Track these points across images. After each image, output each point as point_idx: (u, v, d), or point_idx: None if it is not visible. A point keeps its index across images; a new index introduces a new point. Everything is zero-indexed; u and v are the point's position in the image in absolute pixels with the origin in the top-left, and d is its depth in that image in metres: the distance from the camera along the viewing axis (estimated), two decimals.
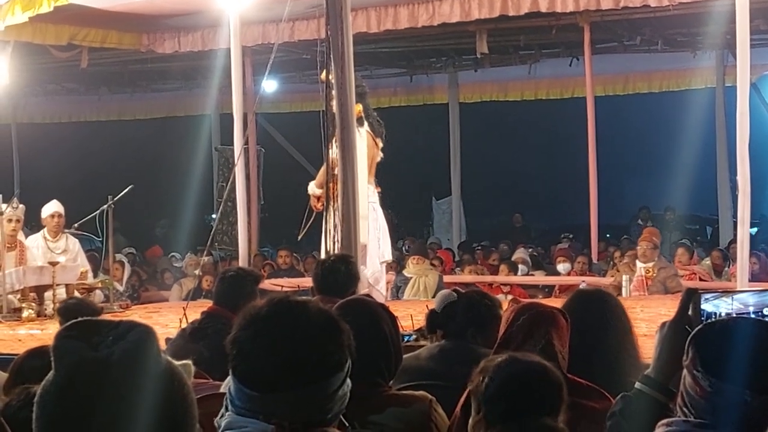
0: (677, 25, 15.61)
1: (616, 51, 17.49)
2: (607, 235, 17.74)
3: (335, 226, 7.30)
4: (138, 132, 22.71)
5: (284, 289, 11.12)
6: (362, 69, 18.48)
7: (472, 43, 15.50)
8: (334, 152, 8.67)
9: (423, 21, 13.74)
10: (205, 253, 13.72)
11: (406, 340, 7.24)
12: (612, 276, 12.87)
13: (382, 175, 9.93)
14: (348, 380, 2.48)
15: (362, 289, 7.85)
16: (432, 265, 13.79)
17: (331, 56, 7.31)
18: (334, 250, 7.49)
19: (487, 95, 20.28)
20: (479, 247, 17.48)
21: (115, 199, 11.97)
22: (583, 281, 11.99)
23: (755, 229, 22.80)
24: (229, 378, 2.45)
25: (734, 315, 2.85)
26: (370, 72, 19.28)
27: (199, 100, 19.76)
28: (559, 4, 12.91)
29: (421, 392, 3.93)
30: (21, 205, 11.80)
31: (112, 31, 14.89)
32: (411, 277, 12.89)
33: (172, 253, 17.45)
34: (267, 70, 10.15)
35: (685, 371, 2.53)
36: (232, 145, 12.00)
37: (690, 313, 2.87)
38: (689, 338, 2.55)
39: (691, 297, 2.90)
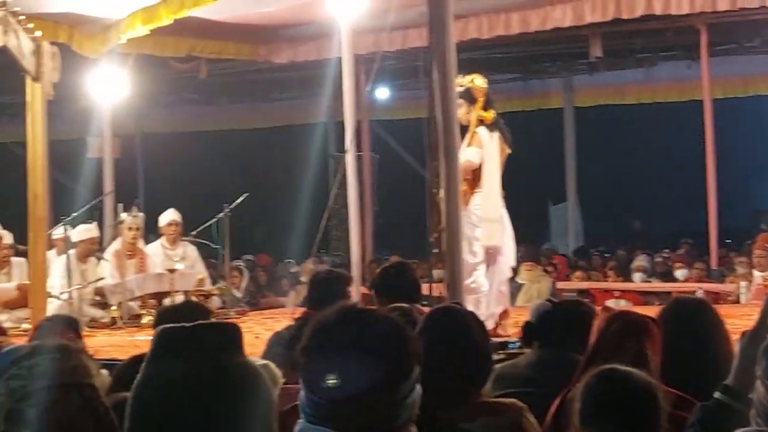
0: None
1: (734, 53, 17.18)
2: (728, 241, 17.41)
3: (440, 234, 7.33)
4: (257, 141, 23.02)
5: None
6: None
7: (586, 47, 15.41)
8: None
9: (535, 26, 13.71)
10: (312, 259, 13.84)
11: (510, 347, 7.26)
12: (731, 282, 12.66)
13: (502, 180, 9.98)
14: (418, 387, 2.51)
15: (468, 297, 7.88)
16: (545, 271, 13.73)
17: (435, 63, 7.33)
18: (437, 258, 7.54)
19: (602, 99, 20.09)
20: (596, 253, 17.33)
21: (231, 207, 12.17)
22: (700, 288, 11.81)
23: None
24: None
25: None
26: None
27: (315, 109, 19.91)
28: (673, 7, 12.77)
29: (512, 400, 3.93)
30: (141, 214, 12.09)
31: (229, 43, 15.17)
32: (524, 284, 12.86)
33: (288, 260, 17.64)
34: (372, 78, 10.24)
35: (758, 382, 2.50)
36: None
37: None
38: (762, 348, 2.52)
39: None
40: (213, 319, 2.20)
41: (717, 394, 2.88)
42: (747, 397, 2.71)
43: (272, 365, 2.51)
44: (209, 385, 2.13)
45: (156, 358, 2.20)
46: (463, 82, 9.28)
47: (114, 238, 12.27)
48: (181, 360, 2.16)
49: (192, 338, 2.19)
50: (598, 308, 4.94)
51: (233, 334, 2.27)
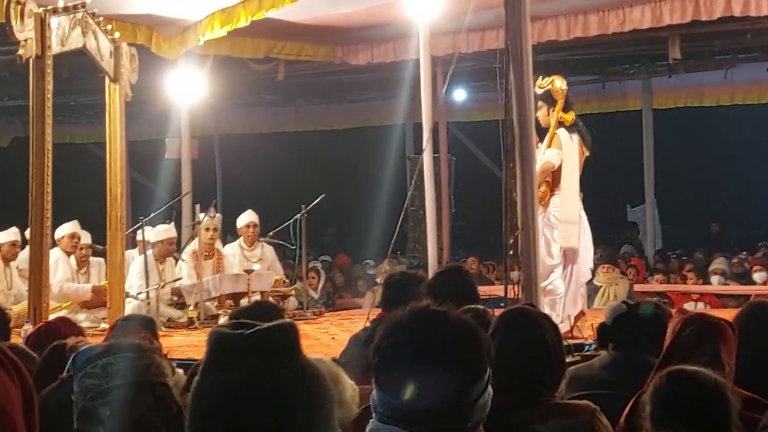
0: None
1: None
2: None
3: (516, 238, 7.33)
4: (334, 142, 23.12)
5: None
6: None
7: (665, 49, 15.27)
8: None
9: (613, 27, 13.63)
10: (388, 260, 13.88)
11: (586, 349, 7.24)
12: None
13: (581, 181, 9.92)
14: (489, 389, 2.52)
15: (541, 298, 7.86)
16: (623, 273, 13.65)
17: (511, 65, 7.34)
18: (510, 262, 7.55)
19: (681, 101, 19.90)
20: (674, 255, 17.19)
21: (308, 208, 12.26)
22: None
23: None
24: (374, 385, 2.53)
25: None
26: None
27: (393, 110, 20.00)
28: (753, 8, 12.63)
29: (585, 402, 3.92)
30: (218, 215, 12.22)
31: (306, 44, 15.25)
32: (601, 286, 12.80)
33: (366, 260, 17.71)
34: (448, 80, 10.24)
35: None
36: None
37: None
38: None
39: None
40: (271, 323, 2.17)
41: None
42: None
43: (340, 370, 2.54)
44: (263, 395, 2.13)
45: (210, 367, 2.19)
46: (542, 84, 9.28)
47: (191, 238, 12.41)
48: (234, 370, 2.15)
49: (246, 345, 2.17)
50: (674, 311, 4.92)
51: (289, 336, 2.21)
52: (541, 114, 9.22)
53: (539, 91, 9.15)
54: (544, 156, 9.09)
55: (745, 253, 16.02)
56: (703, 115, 21.27)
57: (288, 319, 2.28)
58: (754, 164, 23.37)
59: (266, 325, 2.18)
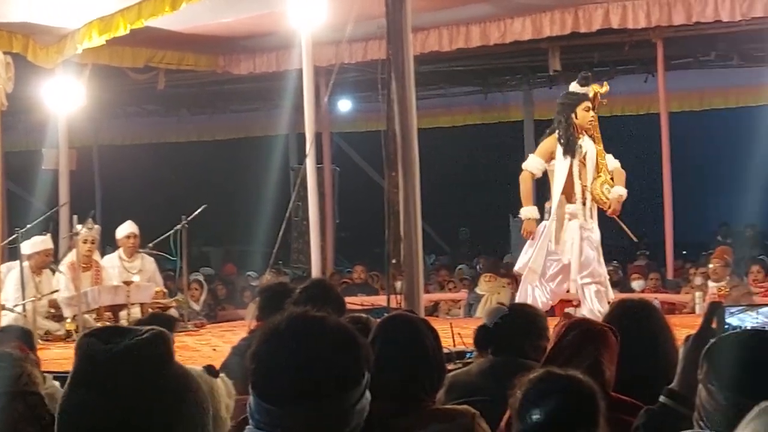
0: (752, 40, 15.43)
1: (691, 67, 17.34)
2: (684, 252, 17.53)
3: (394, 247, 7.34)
4: (215, 153, 22.95)
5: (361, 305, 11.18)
6: (436, 87, 18.60)
7: (546, 60, 15.48)
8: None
9: (495, 39, 13.79)
10: (271, 271, 13.81)
11: (467, 357, 7.26)
12: (687, 293, 12.76)
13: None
14: (367, 394, 2.50)
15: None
16: (506, 282, 13.77)
17: (393, 75, 7.35)
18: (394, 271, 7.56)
19: None
20: None
21: (189, 219, 12.13)
22: (656, 298, 11.86)
23: None
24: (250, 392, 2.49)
25: (758, 328, 2.84)
26: (445, 90, 19.35)
27: (276, 121, 19.91)
28: (630, 21, 12.91)
29: (465, 406, 3.94)
30: (96, 226, 12.02)
31: (188, 53, 15.12)
32: (483, 295, 12.90)
33: (249, 272, 17.60)
34: (329, 90, 10.25)
35: (700, 385, 2.52)
36: None
37: (714, 326, 2.87)
38: (703, 352, 2.55)
39: (715, 310, 2.91)
40: (142, 334, 2.07)
41: (662, 398, 2.91)
42: (691, 401, 2.72)
43: (224, 377, 2.48)
44: (133, 414, 2.05)
45: (78, 383, 2.09)
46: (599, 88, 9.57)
47: (69, 250, 12.17)
48: (103, 389, 2.07)
49: (116, 362, 2.08)
50: (557, 318, 4.95)
51: (160, 348, 2.13)
52: (588, 116, 9.58)
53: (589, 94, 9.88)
54: (613, 161, 10.10)
55: (625, 261, 16.27)
56: None
57: (159, 328, 2.19)
58: (634, 174, 23.78)
59: (136, 337, 2.10)
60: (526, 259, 10.12)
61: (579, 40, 14.37)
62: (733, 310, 2.93)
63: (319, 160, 14.53)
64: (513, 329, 4.83)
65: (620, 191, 9.89)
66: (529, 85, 19.48)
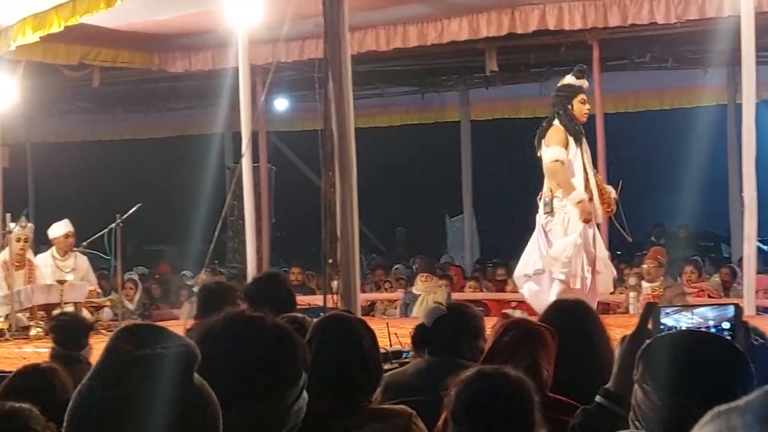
0: (687, 43, 15.60)
1: (626, 68, 17.49)
2: (618, 252, 17.68)
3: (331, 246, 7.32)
4: (151, 151, 22.77)
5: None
6: (373, 87, 18.60)
7: (482, 61, 15.53)
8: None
9: (432, 39, 13.81)
10: (206, 271, 13.73)
11: (404, 356, 7.26)
12: (622, 293, 12.86)
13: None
14: (304, 394, 2.48)
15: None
16: (442, 282, 13.80)
17: (330, 75, 7.34)
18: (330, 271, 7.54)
19: (498, 113, 20.31)
20: (491, 264, 17.46)
21: (124, 217, 12.00)
22: None
23: None
24: None
25: (693, 329, 2.86)
26: (382, 90, 19.35)
27: (212, 119, 19.78)
28: (567, 22, 12.99)
29: (402, 406, 3.93)
30: (30, 224, 11.87)
31: (123, 51, 14.99)
32: (419, 295, 12.91)
33: (183, 272, 17.49)
34: (266, 89, 10.21)
35: (636, 385, 2.53)
36: None
37: (649, 327, 2.89)
38: (639, 353, 2.56)
39: (651, 311, 2.92)
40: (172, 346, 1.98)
41: (598, 398, 2.92)
42: (626, 401, 2.72)
43: None
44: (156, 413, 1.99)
45: (97, 380, 2.02)
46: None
47: (2, 248, 12.01)
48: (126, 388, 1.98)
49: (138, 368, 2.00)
50: (494, 318, 4.94)
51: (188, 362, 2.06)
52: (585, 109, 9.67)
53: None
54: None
55: None
56: (519, 127, 21.69)
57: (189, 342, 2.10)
58: None
59: (169, 347, 2.01)
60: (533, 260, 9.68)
61: (516, 41, 14.42)
62: (668, 310, 2.92)
63: (255, 159, 14.46)
64: (450, 329, 4.83)
65: (612, 190, 9.82)
66: (465, 85, 19.53)
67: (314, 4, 7.95)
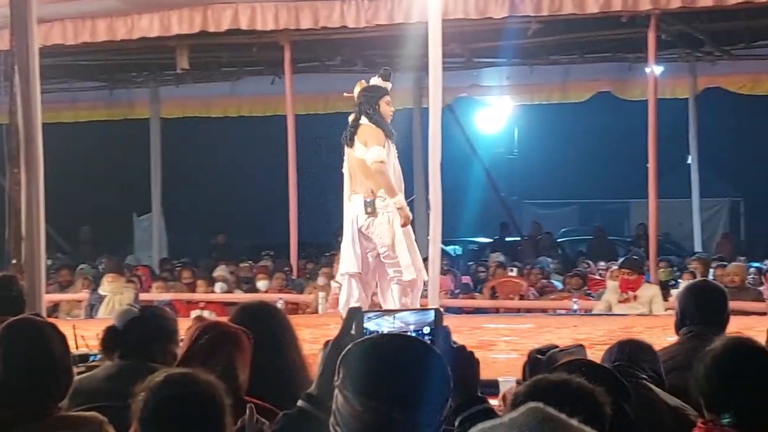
0: (376, 46, 15.95)
1: (317, 70, 17.74)
2: (309, 253, 17.91)
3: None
4: None
5: None
6: (60, 81, 18.03)
7: (174, 58, 15.35)
8: None
9: (122, 34, 13.51)
10: None
11: (91, 359, 7.06)
12: (310, 293, 13.00)
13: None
14: None
15: None
16: (129, 282, 13.56)
17: (17, 68, 7.05)
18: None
19: (189, 111, 20.16)
20: (180, 265, 17.29)
21: None
22: (281, 298, 12.05)
23: (454, 248, 23.68)
24: None
25: (391, 333, 2.90)
26: (69, 85, 18.80)
27: None
28: (259, 22, 13.00)
29: (92, 413, 3.83)
30: None
31: None
32: (106, 296, 12.63)
33: None
34: None
35: (336, 391, 2.54)
36: None
37: (353, 331, 2.92)
38: (339, 359, 2.57)
39: (354, 315, 2.95)
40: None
41: (300, 403, 2.92)
42: (329, 405, 2.72)
43: None
44: None
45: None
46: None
47: None
48: None
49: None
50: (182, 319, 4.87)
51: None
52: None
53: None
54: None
55: (250, 261, 16.40)
56: (210, 126, 21.65)
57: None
58: (260, 175, 24.10)
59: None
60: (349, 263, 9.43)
61: (208, 39, 14.33)
62: (371, 314, 2.96)
63: None
64: (142, 332, 4.73)
65: None
66: (156, 82, 19.29)
67: None
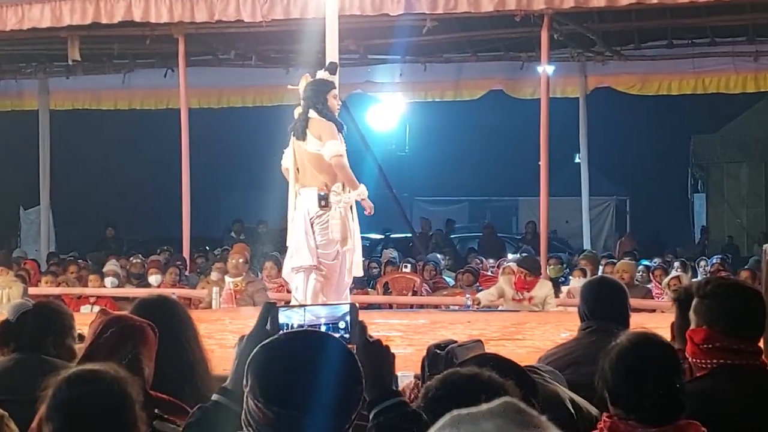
0: (271, 42, 15.91)
1: (211, 64, 17.64)
2: (202, 248, 17.80)
3: None
4: None
5: None
6: None
7: (65, 50, 15.11)
8: None
9: (12, 24, 13.25)
10: None
11: None
12: (203, 288, 12.92)
13: None
14: None
15: None
16: (18, 276, 13.32)
17: None
18: None
19: (79, 103, 19.87)
20: (69, 258, 17.05)
21: None
22: (173, 293, 11.94)
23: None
24: None
25: (306, 327, 2.92)
26: None
27: None
28: (153, 14, 12.85)
29: None
30: None
31: None
32: None
33: None
34: None
35: (246, 396, 2.54)
36: None
37: (268, 326, 2.92)
38: (247, 364, 2.57)
39: (269, 310, 2.96)
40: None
41: (216, 396, 2.92)
42: (243, 399, 2.72)
43: None
44: None
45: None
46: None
47: None
48: None
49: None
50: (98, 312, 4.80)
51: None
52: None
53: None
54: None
55: (141, 256, 16.22)
56: (101, 119, 21.36)
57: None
58: (152, 169, 23.91)
59: None
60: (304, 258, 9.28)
61: (100, 30, 14.13)
62: (283, 308, 2.98)
63: None
64: (37, 326, 4.69)
65: None
66: (45, 73, 19.00)
67: None
